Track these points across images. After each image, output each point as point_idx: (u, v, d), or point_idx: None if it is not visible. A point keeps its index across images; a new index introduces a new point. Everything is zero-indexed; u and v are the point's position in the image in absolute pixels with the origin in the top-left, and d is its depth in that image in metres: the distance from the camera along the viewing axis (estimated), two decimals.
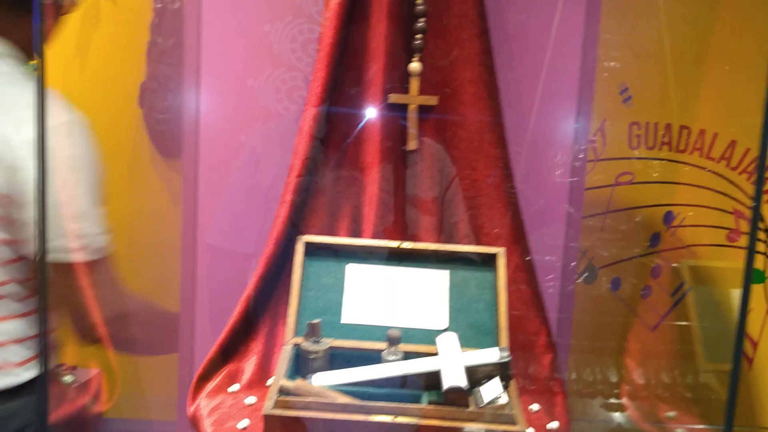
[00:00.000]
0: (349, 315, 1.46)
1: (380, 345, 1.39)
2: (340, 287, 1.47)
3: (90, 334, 1.38)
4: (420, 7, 1.51)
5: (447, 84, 1.53)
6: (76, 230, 1.22)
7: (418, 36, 1.52)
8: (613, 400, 1.69)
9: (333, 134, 1.57)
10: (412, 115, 1.53)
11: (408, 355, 1.36)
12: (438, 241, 1.55)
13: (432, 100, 1.53)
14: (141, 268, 1.78)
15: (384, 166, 1.53)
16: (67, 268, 1.24)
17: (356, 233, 1.55)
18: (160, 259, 1.88)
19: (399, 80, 1.54)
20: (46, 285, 1.09)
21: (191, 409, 1.39)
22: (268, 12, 1.67)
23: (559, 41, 1.67)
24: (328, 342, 1.39)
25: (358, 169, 1.56)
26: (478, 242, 1.52)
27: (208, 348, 1.49)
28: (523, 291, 1.51)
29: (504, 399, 1.28)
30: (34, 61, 1.02)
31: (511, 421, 1.25)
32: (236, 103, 1.73)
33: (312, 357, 1.37)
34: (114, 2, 1.95)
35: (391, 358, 1.36)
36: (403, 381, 1.33)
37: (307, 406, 1.25)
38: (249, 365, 1.47)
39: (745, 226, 1.84)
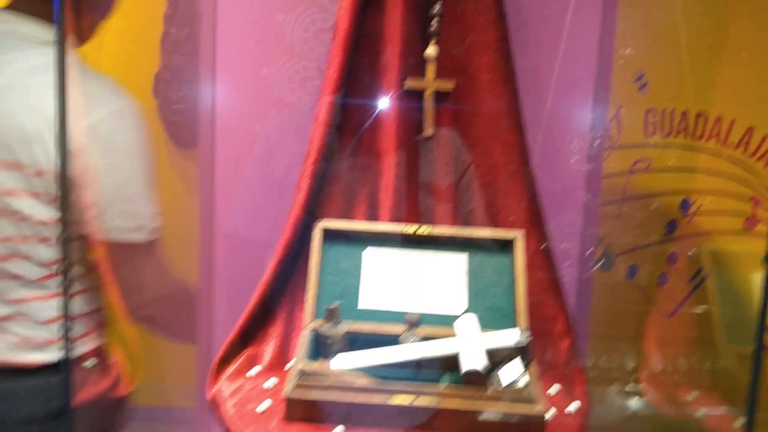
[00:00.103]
0: (367, 300, 1.46)
1: (398, 329, 1.39)
2: (358, 272, 1.48)
3: (139, 314, 1.43)
4: None
5: (463, 70, 1.53)
6: (132, 211, 1.27)
7: (434, 21, 1.52)
8: (631, 387, 1.69)
9: (348, 121, 1.57)
10: (428, 101, 1.53)
11: (427, 339, 1.36)
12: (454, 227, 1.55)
13: (448, 85, 1.53)
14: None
15: (400, 153, 1.54)
16: (122, 248, 1.29)
17: (373, 219, 1.55)
18: (177, 248, 1.89)
19: (415, 66, 1.54)
20: (70, 266, 1.11)
21: (211, 393, 1.39)
22: (281, 1, 1.67)
23: (576, 28, 1.67)
24: (346, 326, 1.40)
25: (374, 155, 1.56)
26: (496, 228, 1.52)
27: (226, 335, 1.49)
28: (541, 276, 1.51)
29: (524, 381, 1.28)
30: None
31: (531, 401, 1.25)
32: (250, 93, 1.74)
33: (330, 341, 1.38)
34: None
35: (409, 341, 1.36)
36: (418, 365, 1.34)
37: (326, 389, 1.26)
38: (268, 349, 1.48)
39: (762, 212, 1.83)
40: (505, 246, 1.47)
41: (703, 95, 1.85)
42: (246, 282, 1.58)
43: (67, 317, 1.02)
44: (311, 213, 1.53)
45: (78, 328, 1.32)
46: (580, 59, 1.68)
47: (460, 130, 1.55)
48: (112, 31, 1.97)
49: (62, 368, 1.03)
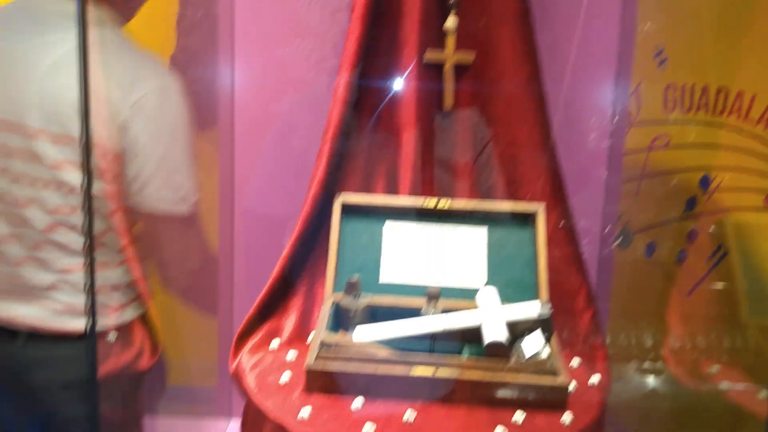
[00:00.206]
0: (388, 274, 1.46)
1: (419, 302, 1.39)
2: (378, 246, 1.48)
3: (176, 285, 1.51)
4: None
5: (483, 43, 1.51)
6: (176, 184, 1.31)
7: None
8: (652, 363, 1.68)
9: (367, 96, 1.56)
10: (448, 74, 1.52)
11: (447, 312, 1.36)
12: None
13: (469, 57, 1.52)
14: None
15: (419, 127, 1.53)
16: (165, 220, 1.32)
17: (392, 194, 1.55)
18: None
19: (434, 39, 1.52)
20: (93, 238, 1.12)
21: (233, 366, 1.40)
22: None
23: (597, 2, 1.65)
24: (367, 298, 1.40)
25: (394, 129, 1.56)
26: (517, 200, 1.52)
27: (246, 310, 1.50)
28: (562, 249, 1.50)
29: (546, 352, 1.27)
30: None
31: (553, 373, 1.24)
32: (268, 73, 1.75)
33: (351, 313, 1.38)
34: None
35: (430, 314, 1.36)
36: (439, 337, 1.33)
37: (348, 360, 1.26)
38: (289, 322, 1.48)
39: None
40: (526, 219, 1.47)
41: (724, 70, 1.83)
42: (265, 258, 1.58)
43: (93, 286, 1.04)
44: (331, 188, 1.53)
45: (119, 298, 1.35)
46: (601, 34, 1.67)
47: (480, 104, 1.55)
48: None
49: (89, 337, 1.04)
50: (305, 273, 1.53)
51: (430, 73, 1.53)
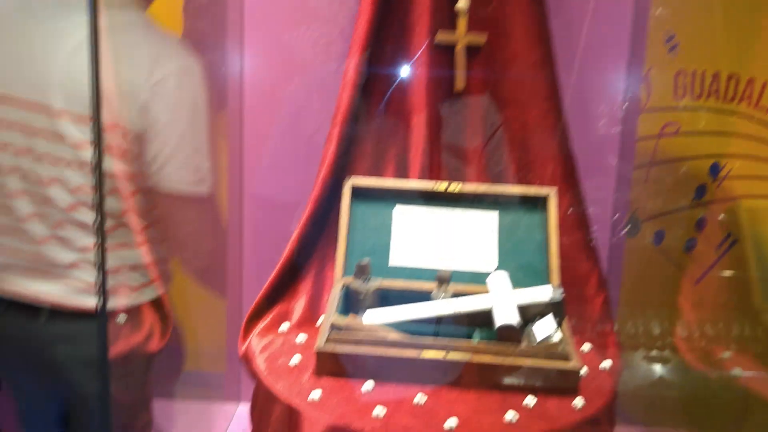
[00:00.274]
0: (398, 257, 1.45)
1: (429, 286, 1.38)
2: (388, 230, 1.47)
3: (194, 263, 1.52)
4: None
5: (496, 24, 1.50)
6: (195, 164, 1.32)
7: None
8: (663, 350, 1.67)
9: (377, 78, 1.55)
10: (460, 55, 1.50)
11: (458, 296, 1.35)
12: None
13: (480, 39, 1.50)
14: None
15: (430, 110, 1.52)
16: (183, 200, 1.33)
17: (403, 177, 1.54)
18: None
19: (445, 21, 1.51)
20: (104, 216, 1.12)
21: (243, 348, 1.40)
22: None
23: None
24: (377, 282, 1.39)
25: (404, 113, 1.54)
26: (528, 184, 1.51)
27: (255, 293, 1.49)
28: (573, 234, 1.49)
29: (557, 337, 1.27)
30: None
31: (565, 357, 1.24)
32: (276, 57, 1.74)
33: (362, 296, 1.37)
34: None
35: (440, 297, 1.36)
36: (449, 321, 1.33)
37: (358, 343, 1.25)
38: (298, 306, 1.48)
39: None
40: (537, 203, 1.46)
41: (736, 56, 1.81)
42: (273, 242, 1.58)
43: (104, 264, 1.03)
44: (340, 172, 1.52)
45: (138, 279, 1.36)
46: (614, 19, 1.66)
47: (491, 87, 1.53)
48: None
49: (100, 316, 1.04)
50: (315, 257, 1.52)
51: (441, 56, 1.52)
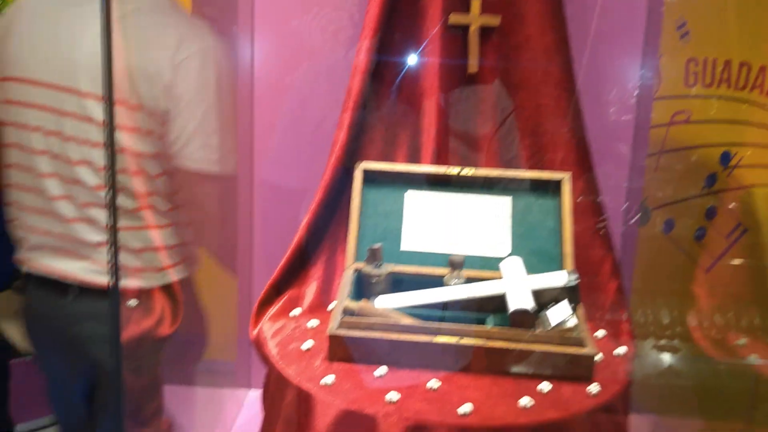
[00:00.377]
0: (409, 242, 1.44)
1: (442, 271, 1.37)
2: (400, 214, 1.45)
3: (215, 244, 1.55)
4: None
5: (509, 6, 1.48)
6: (215, 144, 1.33)
7: None
8: (671, 340, 1.66)
9: (389, 62, 1.54)
10: (473, 37, 1.49)
11: (470, 281, 1.34)
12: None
13: (494, 21, 1.49)
14: None
15: (442, 94, 1.50)
16: (203, 179, 1.35)
17: (414, 161, 1.53)
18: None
19: (458, 4, 1.49)
20: (116, 191, 1.12)
21: (254, 333, 1.38)
22: None
23: None
24: (389, 267, 1.38)
25: (416, 97, 1.53)
26: (542, 169, 1.49)
27: (265, 283, 1.48)
28: (587, 220, 1.48)
29: (572, 322, 1.25)
30: None
31: (580, 343, 1.23)
32: (286, 43, 1.73)
33: (374, 281, 1.36)
34: None
35: (453, 282, 1.34)
36: (462, 306, 1.32)
37: (371, 327, 1.24)
38: (309, 291, 1.46)
39: None
40: (551, 188, 1.44)
41: (747, 44, 1.80)
42: (283, 227, 1.57)
43: (116, 243, 1.03)
44: (351, 157, 1.51)
45: (163, 260, 1.38)
46: (629, 4, 1.64)
47: (505, 70, 1.51)
48: None
49: (112, 295, 1.03)
50: (325, 242, 1.51)
51: (453, 40, 1.50)
